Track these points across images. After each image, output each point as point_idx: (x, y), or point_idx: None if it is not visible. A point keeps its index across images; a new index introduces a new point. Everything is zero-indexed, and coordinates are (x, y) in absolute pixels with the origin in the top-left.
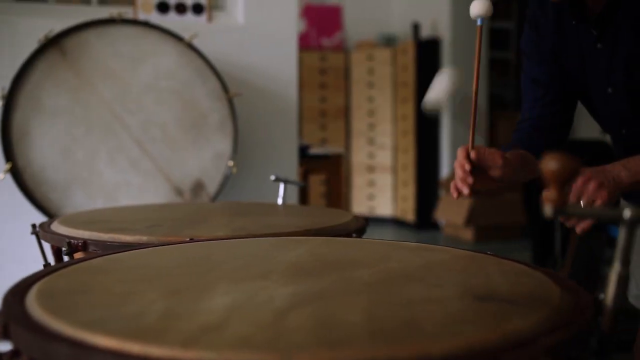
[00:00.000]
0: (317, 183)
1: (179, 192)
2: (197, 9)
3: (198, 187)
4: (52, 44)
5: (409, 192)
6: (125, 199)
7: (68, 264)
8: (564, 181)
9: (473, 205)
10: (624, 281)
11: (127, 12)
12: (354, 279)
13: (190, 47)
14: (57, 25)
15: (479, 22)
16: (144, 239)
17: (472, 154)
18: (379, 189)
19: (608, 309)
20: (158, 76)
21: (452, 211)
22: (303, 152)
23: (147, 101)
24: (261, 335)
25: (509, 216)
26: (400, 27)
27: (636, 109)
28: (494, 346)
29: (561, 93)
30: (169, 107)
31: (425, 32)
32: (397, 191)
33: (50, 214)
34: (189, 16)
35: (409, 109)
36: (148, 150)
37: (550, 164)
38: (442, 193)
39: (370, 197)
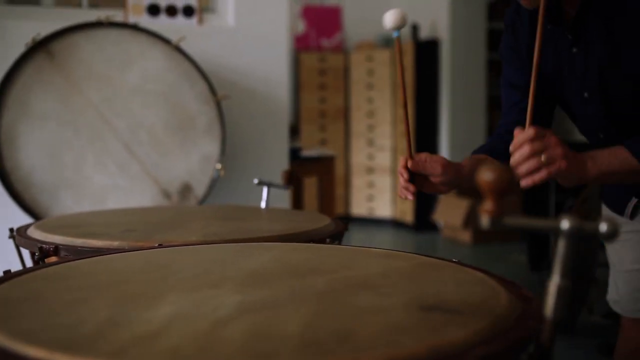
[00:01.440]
0: (309, 185)
1: (166, 195)
2: (188, 11)
3: (186, 189)
4: (40, 47)
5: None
6: (113, 202)
7: (27, 271)
8: (500, 192)
9: (471, 207)
10: (563, 293)
11: (118, 14)
12: (307, 287)
13: (178, 49)
14: (48, 28)
15: (395, 34)
16: (114, 244)
17: (409, 163)
18: (378, 190)
19: (547, 321)
20: (146, 79)
21: (450, 213)
22: (295, 154)
23: (134, 104)
24: (192, 347)
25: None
26: None
27: (611, 113)
28: (423, 358)
29: (538, 98)
30: (157, 110)
31: (425, 33)
32: (396, 193)
33: (38, 217)
34: (180, 19)
35: (408, 111)
36: (136, 153)
37: (485, 175)
38: (440, 195)
39: (370, 198)
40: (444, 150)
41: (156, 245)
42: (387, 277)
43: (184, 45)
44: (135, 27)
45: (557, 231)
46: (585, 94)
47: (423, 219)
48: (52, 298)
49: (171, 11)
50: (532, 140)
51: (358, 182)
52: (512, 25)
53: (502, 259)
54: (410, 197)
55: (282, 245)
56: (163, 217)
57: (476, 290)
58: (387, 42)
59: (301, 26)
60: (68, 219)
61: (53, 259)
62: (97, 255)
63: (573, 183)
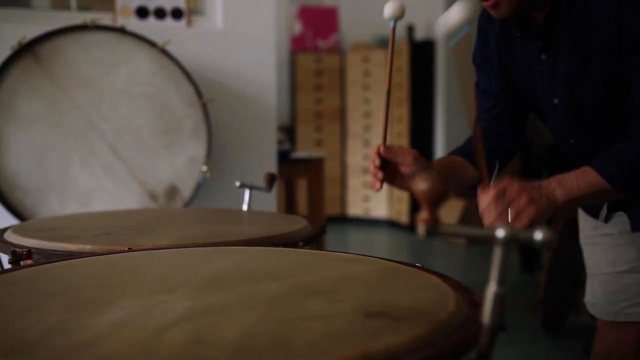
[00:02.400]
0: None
1: (153, 197)
2: (177, 14)
3: (172, 191)
4: (25, 50)
5: (404, 194)
6: (99, 204)
7: None
8: (435, 201)
9: (466, 207)
10: (499, 300)
11: (107, 17)
12: (259, 292)
13: (164, 52)
14: (36, 31)
15: (391, 24)
16: (86, 247)
17: (382, 150)
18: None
19: (484, 327)
20: (132, 82)
21: (445, 213)
22: (285, 156)
23: (120, 107)
24: (128, 354)
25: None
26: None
27: (580, 119)
28: None
29: (511, 105)
30: (143, 112)
31: (420, 34)
32: (392, 193)
33: (24, 219)
34: (169, 21)
35: (403, 111)
36: (122, 155)
37: (420, 184)
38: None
39: (366, 198)
40: (439, 150)
41: (126, 249)
42: (344, 283)
43: (172, 48)
44: (121, 30)
45: (493, 240)
46: (555, 100)
47: None
48: (7, 304)
49: (160, 14)
50: (495, 200)
51: (354, 182)
52: (483, 31)
53: None
54: (378, 185)
55: (251, 249)
56: (142, 220)
57: (426, 296)
58: (383, 42)
59: (297, 27)
60: (47, 223)
61: (27, 262)
62: (68, 259)
63: (547, 216)
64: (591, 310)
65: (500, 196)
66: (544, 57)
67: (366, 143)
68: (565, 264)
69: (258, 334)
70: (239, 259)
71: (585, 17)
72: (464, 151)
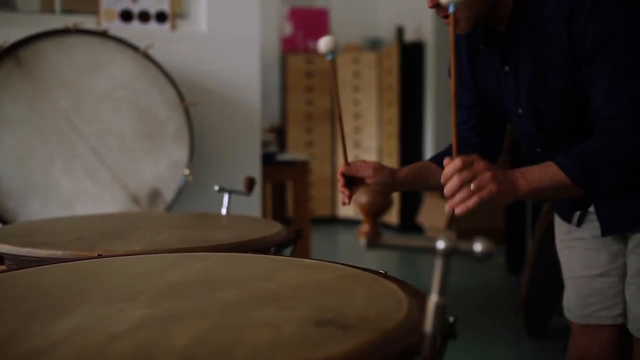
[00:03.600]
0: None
1: (135, 200)
2: (161, 17)
3: (155, 195)
4: (7, 53)
5: (393, 195)
6: (82, 207)
7: None
8: (375, 214)
9: (434, 189)
10: (441, 310)
11: (91, 20)
12: (215, 300)
13: (147, 56)
14: (20, 34)
15: (329, 57)
16: (57, 253)
17: (343, 169)
18: None
19: (426, 337)
20: (114, 85)
21: (434, 215)
22: (270, 159)
23: (103, 110)
24: None
25: (490, 220)
26: (385, 30)
27: (543, 129)
28: None
29: (484, 115)
30: (125, 116)
31: (410, 36)
32: None
33: (6, 223)
34: (153, 24)
35: (393, 113)
36: (104, 158)
37: (360, 198)
38: (425, 197)
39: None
40: (429, 151)
41: (96, 255)
42: (301, 290)
43: (156, 51)
44: (103, 35)
45: (433, 251)
46: (520, 110)
47: (408, 221)
48: None
49: (144, 17)
50: (460, 170)
51: None
52: (455, 44)
53: None
54: (347, 200)
55: (217, 255)
56: (118, 225)
57: (380, 304)
58: (373, 44)
59: (288, 28)
60: (23, 227)
61: (2, 267)
62: (38, 265)
63: (506, 201)
64: (566, 313)
65: (466, 166)
66: (506, 68)
67: (357, 144)
68: (547, 266)
69: (206, 341)
70: (203, 265)
71: (541, 29)
72: (438, 158)
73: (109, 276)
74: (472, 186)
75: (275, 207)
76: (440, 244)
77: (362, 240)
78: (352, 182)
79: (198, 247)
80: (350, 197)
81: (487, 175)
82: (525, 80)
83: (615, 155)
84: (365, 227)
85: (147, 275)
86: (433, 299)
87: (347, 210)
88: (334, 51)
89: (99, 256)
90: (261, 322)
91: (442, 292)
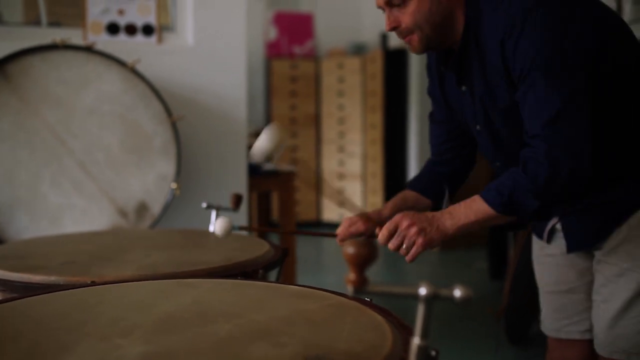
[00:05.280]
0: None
1: (123, 214)
2: (147, 30)
3: (142, 209)
4: None
5: (378, 199)
6: (70, 221)
7: None
8: (361, 264)
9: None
10: (423, 352)
11: (77, 33)
12: (210, 335)
13: (134, 71)
14: (6, 47)
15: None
16: (51, 279)
17: (339, 240)
18: (349, 196)
19: None
20: (102, 100)
21: None
22: (256, 170)
23: (90, 125)
24: None
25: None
26: (370, 36)
27: (498, 144)
28: None
29: (457, 130)
30: (113, 130)
31: (394, 42)
32: (366, 199)
33: None
34: (139, 37)
35: (377, 118)
36: (92, 173)
37: (348, 249)
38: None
39: (341, 204)
40: (413, 157)
41: (89, 282)
42: (291, 324)
43: (143, 65)
44: (90, 50)
45: (416, 297)
46: (478, 127)
47: None
48: None
49: (130, 30)
50: (389, 237)
51: (329, 188)
52: (428, 66)
53: (466, 265)
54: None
55: (206, 282)
56: (106, 244)
57: (366, 338)
58: (358, 49)
59: (273, 32)
60: (13, 249)
61: None
62: (32, 292)
63: (439, 243)
64: (542, 327)
65: (392, 231)
66: (463, 88)
67: (341, 149)
68: (528, 274)
69: None
70: (195, 295)
71: (486, 52)
72: (416, 184)
73: (103, 307)
74: (404, 247)
75: (261, 212)
76: (422, 290)
77: (350, 288)
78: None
79: (187, 272)
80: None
81: (413, 232)
82: (479, 98)
83: (529, 183)
84: (352, 277)
85: (140, 306)
86: (416, 341)
87: (332, 215)
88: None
89: (93, 283)
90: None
91: (424, 334)
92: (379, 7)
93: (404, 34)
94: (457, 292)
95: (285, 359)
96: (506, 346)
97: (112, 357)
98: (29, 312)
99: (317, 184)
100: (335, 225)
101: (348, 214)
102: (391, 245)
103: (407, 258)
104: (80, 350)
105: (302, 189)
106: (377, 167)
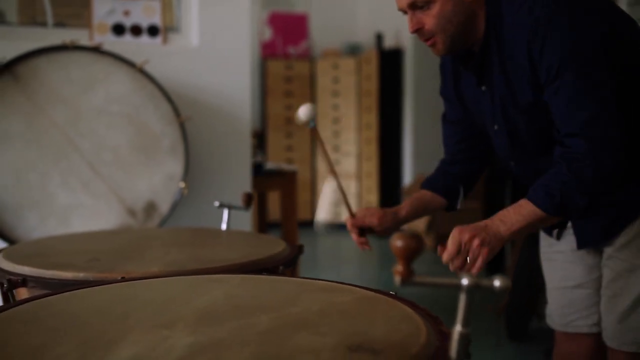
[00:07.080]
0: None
1: (131, 213)
2: (153, 31)
3: (150, 208)
4: (4, 69)
5: (373, 198)
6: (78, 221)
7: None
8: (409, 257)
9: (434, 213)
10: (464, 339)
11: (83, 33)
12: (252, 326)
13: (142, 72)
14: (12, 47)
15: (311, 125)
16: (80, 275)
17: (350, 223)
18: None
19: None
20: (110, 100)
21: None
22: (259, 169)
23: (99, 125)
24: None
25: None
26: (364, 36)
27: (516, 144)
28: None
29: (470, 130)
30: (121, 131)
31: (389, 42)
32: (361, 198)
33: (3, 237)
34: (145, 38)
35: (372, 118)
36: (101, 172)
37: (396, 242)
38: (403, 197)
39: (336, 203)
40: (408, 157)
41: (119, 278)
42: (326, 315)
43: (149, 65)
44: (99, 51)
45: (459, 287)
46: (495, 127)
47: None
48: (19, 344)
49: (136, 31)
50: (454, 254)
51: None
52: (443, 67)
53: None
54: (367, 248)
55: (233, 278)
56: (125, 242)
57: (401, 328)
58: (352, 50)
59: (268, 33)
60: (35, 247)
61: (22, 289)
62: (63, 288)
63: (498, 250)
64: (548, 321)
65: (456, 248)
66: (483, 88)
67: (336, 148)
68: (528, 271)
69: None
70: (225, 290)
71: (508, 52)
72: (431, 184)
73: (139, 302)
74: (469, 260)
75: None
76: (465, 281)
77: (397, 279)
78: (362, 230)
79: (213, 268)
80: (366, 244)
81: (476, 244)
82: (498, 98)
83: (577, 181)
84: (399, 268)
85: (176, 300)
86: (457, 328)
87: (327, 214)
88: (312, 119)
89: (123, 279)
90: (300, 348)
91: (466, 322)
92: (401, 9)
93: (426, 35)
94: (497, 282)
95: (329, 347)
96: (506, 342)
97: (164, 346)
98: (69, 309)
99: (312, 184)
100: (330, 225)
101: (343, 214)
102: (456, 263)
103: (473, 271)
104: (130, 341)
105: (298, 188)
106: (372, 167)
